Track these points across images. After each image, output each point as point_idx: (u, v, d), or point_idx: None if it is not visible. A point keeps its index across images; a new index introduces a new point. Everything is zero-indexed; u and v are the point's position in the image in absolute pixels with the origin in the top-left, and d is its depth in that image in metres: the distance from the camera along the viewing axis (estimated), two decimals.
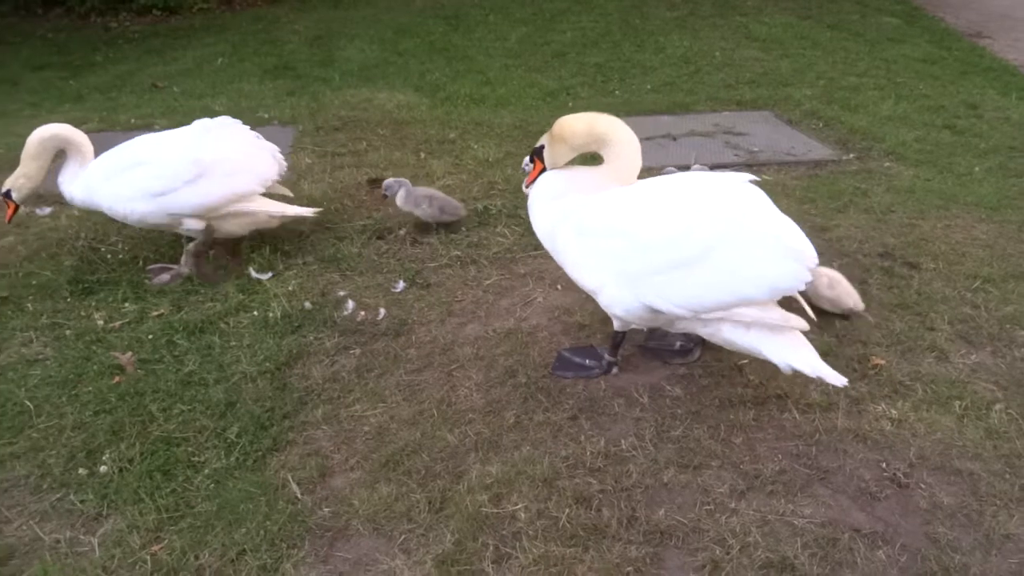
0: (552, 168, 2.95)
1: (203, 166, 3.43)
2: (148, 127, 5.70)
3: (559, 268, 3.05)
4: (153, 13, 10.46)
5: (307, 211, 3.83)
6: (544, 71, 7.42)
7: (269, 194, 3.77)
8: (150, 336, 3.26)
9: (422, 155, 5.17)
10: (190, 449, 2.69)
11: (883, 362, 3.09)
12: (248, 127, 3.78)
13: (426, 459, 2.65)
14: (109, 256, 3.86)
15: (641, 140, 5.76)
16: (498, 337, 3.27)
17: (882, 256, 3.91)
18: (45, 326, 3.35)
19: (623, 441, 2.71)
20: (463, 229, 4.10)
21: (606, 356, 3.05)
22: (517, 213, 4.23)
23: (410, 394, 2.96)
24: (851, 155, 5.32)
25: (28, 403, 2.90)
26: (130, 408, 2.87)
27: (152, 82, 7.13)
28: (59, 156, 3.64)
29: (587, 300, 3.17)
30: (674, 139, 5.56)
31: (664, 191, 2.79)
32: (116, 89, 7.00)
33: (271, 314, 3.40)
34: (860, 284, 3.64)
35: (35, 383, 3.01)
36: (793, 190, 4.68)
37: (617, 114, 6.41)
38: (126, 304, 3.49)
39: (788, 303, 2.78)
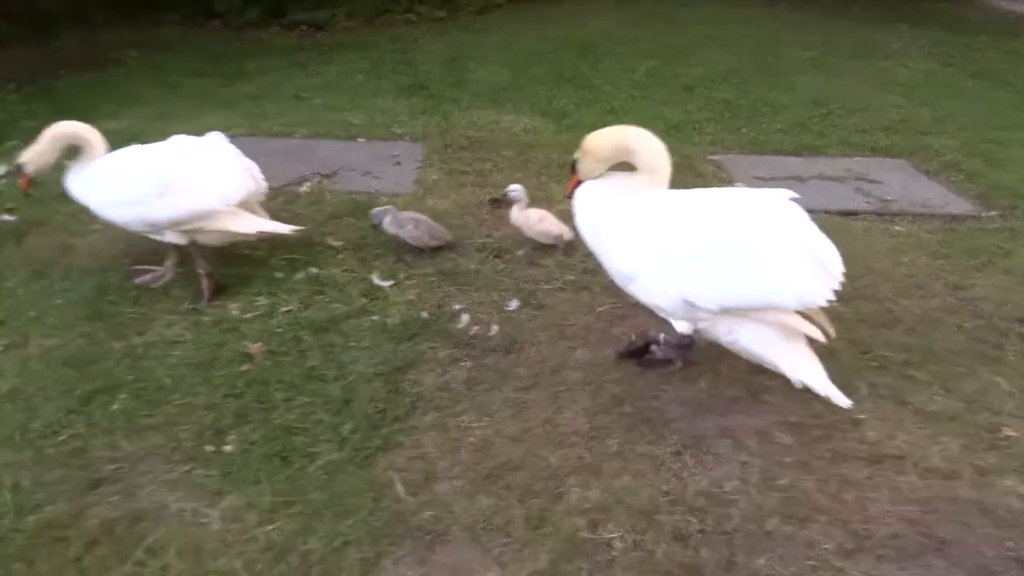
0: (586, 179, 3.12)
1: (169, 182, 3.58)
2: (289, 135, 6.07)
3: None
4: (301, 29, 11.10)
5: (284, 228, 3.85)
6: (670, 104, 7.41)
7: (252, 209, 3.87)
8: (279, 329, 3.47)
9: (543, 178, 5.26)
10: (307, 439, 2.84)
11: (1015, 434, 2.91)
12: (232, 145, 3.88)
13: (527, 476, 2.69)
14: (247, 252, 4.13)
15: (766, 180, 5.69)
16: (607, 364, 3.28)
17: (1021, 321, 3.68)
18: (187, 311, 3.61)
19: (727, 483, 2.67)
20: (578, 253, 4.14)
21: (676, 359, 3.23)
22: None
23: (516, 411, 3.02)
24: (993, 212, 5.04)
25: (167, 380, 3.14)
26: (256, 395, 3.06)
27: (296, 93, 7.57)
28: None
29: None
30: (801, 181, 5.43)
31: (708, 196, 3.00)
32: (263, 98, 7.46)
33: (390, 320, 3.54)
34: (995, 348, 3.46)
35: (174, 363, 3.25)
36: (926, 243, 4.49)
37: (743, 151, 6.33)
38: (259, 298, 3.72)
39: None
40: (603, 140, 3.01)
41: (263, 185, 3.89)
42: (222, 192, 3.67)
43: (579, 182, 3.15)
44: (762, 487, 2.67)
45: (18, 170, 3.86)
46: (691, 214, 2.89)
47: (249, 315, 3.59)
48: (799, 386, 2.85)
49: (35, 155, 3.81)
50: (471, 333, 3.50)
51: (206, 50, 9.95)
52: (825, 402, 3.05)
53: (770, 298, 2.77)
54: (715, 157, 5.85)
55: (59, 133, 3.78)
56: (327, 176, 5.23)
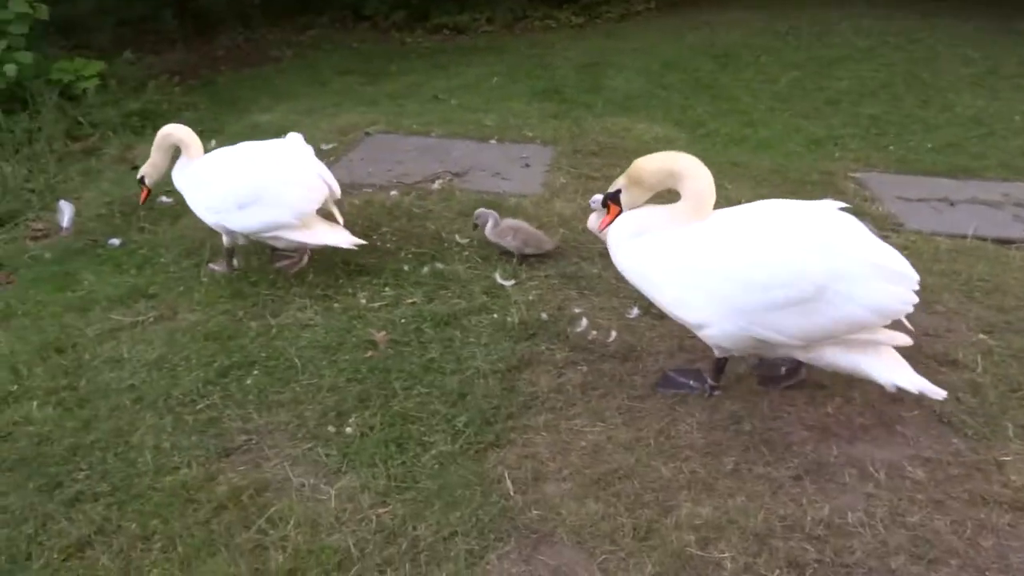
0: (628, 209, 3.00)
1: (247, 196, 3.69)
2: (426, 134, 6.26)
3: None
4: (443, 32, 11.48)
5: (346, 243, 3.78)
6: (812, 118, 7.12)
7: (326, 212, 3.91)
8: (402, 320, 3.58)
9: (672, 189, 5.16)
10: (422, 428, 2.91)
11: None
12: (310, 148, 3.98)
13: (637, 486, 2.65)
14: (379, 244, 4.29)
15: (913, 201, 5.37)
16: (728, 380, 3.18)
17: None
18: (319, 297, 3.79)
19: (850, 514, 2.53)
20: None
21: (709, 380, 3.09)
22: None
23: (630, 419, 2.98)
24: None
25: (296, 360, 3.30)
26: (377, 381, 3.17)
27: (434, 94, 7.81)
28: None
29: None
30: (952, 204, 5.08)
31: (762, 225, 2.83)
32: (404, 97, 7.74)
33: (509, 319, 3.58)
34: None
35: (304, 344, 3.42)
36: None
37: (888, 170, 6.00)
38: (386, 289, 3.85)
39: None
40: (653, 164, 2.90)
41: (337, 190, 3.91)
42: (297, 206, 3.71)
43: (618, 214, 3.00)
44: (889, 522, 2.51)
45: (140, 183, 4.20)
46: (752, 257, 2.73)
47: (376, 304, 3.73)
48: (892, 389, 2.75)
49: (151, 167, 4.14)
50: (589, 338, 3.48)
51: (354, 51, 10.45)
52: (966, 440, 2.85)
53: (855, 321, 2.67)
54: (857, 175, 5.56)
55: (161, 139, 4.06)
56: (458, 175, 5.35)
